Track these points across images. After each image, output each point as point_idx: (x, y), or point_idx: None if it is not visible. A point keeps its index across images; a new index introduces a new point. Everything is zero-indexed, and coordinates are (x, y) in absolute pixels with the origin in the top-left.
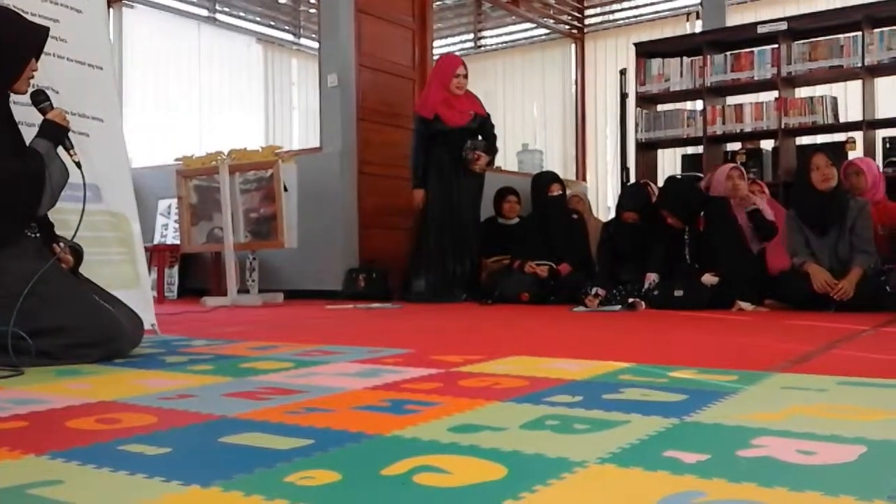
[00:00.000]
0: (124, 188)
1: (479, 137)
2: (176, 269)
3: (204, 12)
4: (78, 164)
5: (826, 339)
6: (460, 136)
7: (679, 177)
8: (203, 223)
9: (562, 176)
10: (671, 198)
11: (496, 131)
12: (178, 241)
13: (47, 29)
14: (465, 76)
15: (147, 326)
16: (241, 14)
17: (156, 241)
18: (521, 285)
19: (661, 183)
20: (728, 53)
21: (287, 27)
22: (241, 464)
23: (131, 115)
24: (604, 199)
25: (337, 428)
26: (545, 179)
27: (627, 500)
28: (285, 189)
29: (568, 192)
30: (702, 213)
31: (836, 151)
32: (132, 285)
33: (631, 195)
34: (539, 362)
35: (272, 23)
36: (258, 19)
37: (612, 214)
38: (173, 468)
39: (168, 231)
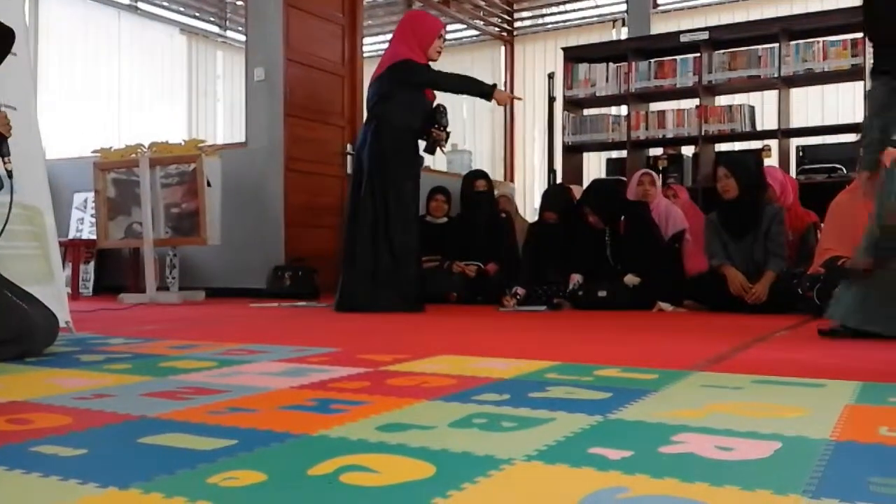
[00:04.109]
0: (38, 180)
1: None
2: (92, 264)
3: (125, 0)
4: (9, 173)
5: (742, 340)
6: (432, 114)
7: (604, 179)
8: (121, 218)
9: (490, 177)
10: (593, 196)
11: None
12: (94, 236)
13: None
14: (444, 41)
15: (61, 324)
16: (164, 3)
17: (71, 236)
18: (449, 285)
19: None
20: (652, 61)
21: (212, 18)
22: (162, 465)
23: (47, 105)
24: (531, 200)
25: (262, 428)
26: (471, 176)
27: (554, 496)
28: (209, 184)
29: (496, 192)
30: (622, 217)
31: (754, 158)
32: (45, 281)
33: (552, 196)
34: (467, 361)
35: (197, 14)
36: (182, 9)
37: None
38: (90, 470)
39: (84, 225)
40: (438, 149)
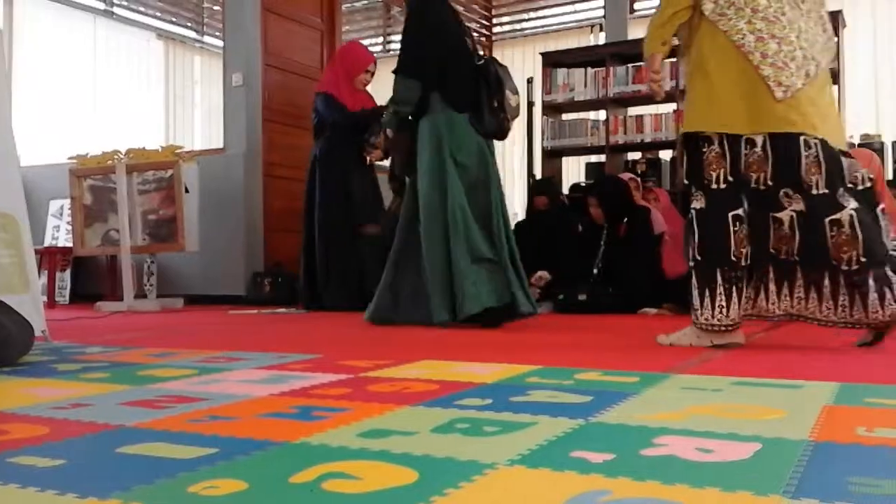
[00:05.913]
0: (13, 187)
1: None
2: (68, 272)
3: (101, 5)
4: None
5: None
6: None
7: (618, 177)
8: (98, 225)
9: None
10: (604, 189)
11: None
12: (70, 244)
13: None
14: (373, 75)
15: (37, 333)
16: (141, 9)
17: (46, 244)
18: None
19: (565, 190)
20: (629, 66)
21: (189, 24)
22: (141, 474)
23: (21, 110)
24: (511, 205)
25: (242, 436)
26: None
27: (537, 500)
28: (186, 190)
29: None
30: (624, 220)
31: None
32: (21, 290)
33: (542, 182)
34: (449, 366)
35: (174, 19)
36: (158, 14)
37: (520, 217)
38: (68, 480)
39: (60, 233)
40: (374, 153)
